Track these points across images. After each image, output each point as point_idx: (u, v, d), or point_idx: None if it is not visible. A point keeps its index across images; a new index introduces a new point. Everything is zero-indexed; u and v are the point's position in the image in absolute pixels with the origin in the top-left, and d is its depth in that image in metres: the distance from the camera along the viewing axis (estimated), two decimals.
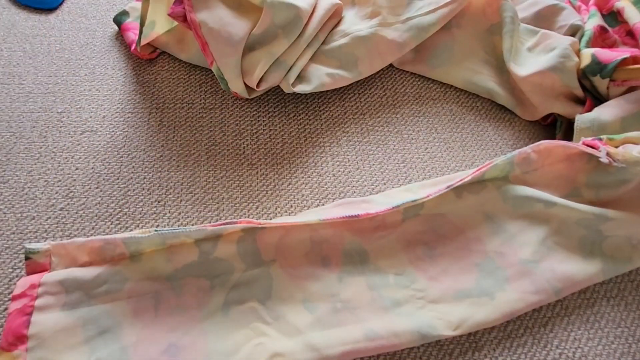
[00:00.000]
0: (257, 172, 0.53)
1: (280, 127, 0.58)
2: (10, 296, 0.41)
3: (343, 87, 0.61)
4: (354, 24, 0.61)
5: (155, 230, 0.42)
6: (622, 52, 0.56)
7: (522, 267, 0.46)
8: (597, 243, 0.48)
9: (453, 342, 0.44)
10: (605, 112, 0.55)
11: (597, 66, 0.57)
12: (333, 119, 0.59)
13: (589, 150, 0.48)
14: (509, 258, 0.47)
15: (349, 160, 0.56)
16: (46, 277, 0.40)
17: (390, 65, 0.64)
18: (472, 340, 0.45)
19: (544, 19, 0.66)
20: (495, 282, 0.45)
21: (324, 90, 0.58)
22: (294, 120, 0.58)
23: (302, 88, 0.56)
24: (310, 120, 0.59)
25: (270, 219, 0.50)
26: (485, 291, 0.44)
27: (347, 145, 0.57)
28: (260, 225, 0.44)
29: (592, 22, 0.63)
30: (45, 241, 0.46)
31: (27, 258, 0.41)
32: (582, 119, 0.55)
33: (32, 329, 0.38)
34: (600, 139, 0.50)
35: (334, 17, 0.61)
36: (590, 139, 0.50)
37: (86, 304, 0.40)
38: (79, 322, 0.39)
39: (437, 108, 0.62)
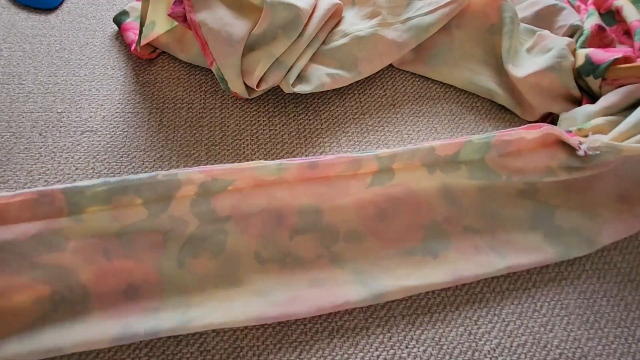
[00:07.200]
0: None
1: (280, 127, 0.58)
2: None
3: (343, 87, 0.61)
4: (354, 24, 0.61)
5: (104, 181, 0.41)
6: (615, 53, 0.57)
7: (466, 232, 0.49)
8: (547, 219, 0.50)
9: (453, 342, 0.44)
10: (590, 105, 0.57)
11: (591, 66, 0.58)
12: (333, 119, 0.59)
13: (570, 141, 0.50)
14: (454, 224, 0.50)
15: None
16: None
17: (390, 65, 0.65)
18: (472, 340, 0.45)
19: (544, 18, 0.66)
20: (439, 243, 0.48)
21: (324, 90, 0.58)
22: (294, 120, 0.58)
23: (302, 88, 0.56)
24: (310, 120, 0.59)
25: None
26: (429, 250, 0.48)
27: (347, 145, 0.57)
28: (213, 177, 0.44)
29: (590, 21, 0.63)
30: None
31: None
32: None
33: None
34: (570, 131, 0.52)
35: (334, 17, 0.61)
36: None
37: (29, 268, 0.39)
38: (26, 279, 0.38)
39: (437, 108, 0.62)
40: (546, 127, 0.50)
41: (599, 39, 0.62)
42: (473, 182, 0.51)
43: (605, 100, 0.56)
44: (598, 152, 0.49)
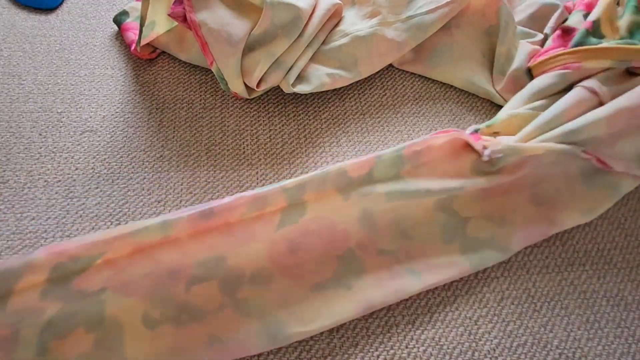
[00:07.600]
0: (257, 172, 0.53)
1: (280, 127, 0.58)
2: None
3: (343, 87, 0.61)
4: (354, 23, 0.61)
5: None
6: (541, 55, 0.60)
7: (380, 257, 0.46)
8: (460, 231, 0.48)
9: (453, 342, 0.44)
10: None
11: (528, 70, 0.61)
12: (333, 119, 0.59)
13: (475, 146, 0.49)
14: (368, 249, 0.46)
15: None
16: None
17: (390, 65, 0.65)
18: (472, 340, 0.45)
19: (539, 20, 0.67)
20: (353, 273, 0.44)
21: (323, 90, 0.58)
22: (294, 120, 0.58)
23: (302, 88, 0.56)
24: (310, 120, 0.59)
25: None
26: (343, 283, 0.44)
27: (347, 145, 0.57)
28: (71, 257, 0.37)
29: (568, 22, 0.63)
30: (45, 242, 0.46)
31: None
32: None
33: None
34: (477, 131, 0.52)
35: (334, 17, 0.61)
36: (471, 130, 0.52)
37: None
38: None
39: (437, 108, 0.62)
40: (454, 132, 0.49)
41: (563, 41, 0.62)
42: (391, 202, 0.47)
43: (523, 92, 0.57)
44: (501, 155, 0.48)
